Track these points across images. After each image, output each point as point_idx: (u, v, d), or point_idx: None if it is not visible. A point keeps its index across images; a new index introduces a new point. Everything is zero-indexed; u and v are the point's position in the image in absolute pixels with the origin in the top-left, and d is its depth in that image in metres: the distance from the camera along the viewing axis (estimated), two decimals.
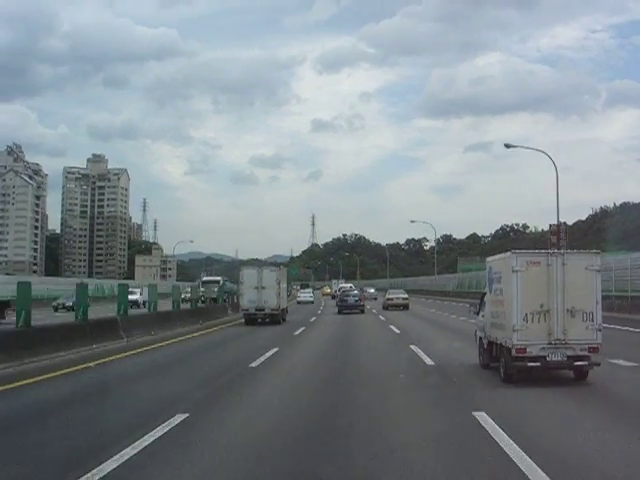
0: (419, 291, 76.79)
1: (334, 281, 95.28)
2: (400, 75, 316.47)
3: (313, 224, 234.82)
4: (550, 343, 10.32)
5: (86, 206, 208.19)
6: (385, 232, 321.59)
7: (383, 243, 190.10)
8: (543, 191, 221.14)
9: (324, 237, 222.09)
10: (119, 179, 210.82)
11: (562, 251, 10.70)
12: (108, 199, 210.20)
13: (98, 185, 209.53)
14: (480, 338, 12.79)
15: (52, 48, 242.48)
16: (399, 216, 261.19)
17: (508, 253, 10.93)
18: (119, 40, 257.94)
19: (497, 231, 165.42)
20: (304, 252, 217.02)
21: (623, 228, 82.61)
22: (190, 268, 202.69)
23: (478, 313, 13.52)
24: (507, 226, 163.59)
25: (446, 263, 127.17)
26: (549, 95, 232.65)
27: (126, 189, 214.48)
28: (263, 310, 28.97)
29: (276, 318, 28.92)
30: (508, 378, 10.69)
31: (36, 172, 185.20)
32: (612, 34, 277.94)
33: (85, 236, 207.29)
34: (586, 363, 10.48)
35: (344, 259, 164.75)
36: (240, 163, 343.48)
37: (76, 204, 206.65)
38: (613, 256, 34.38)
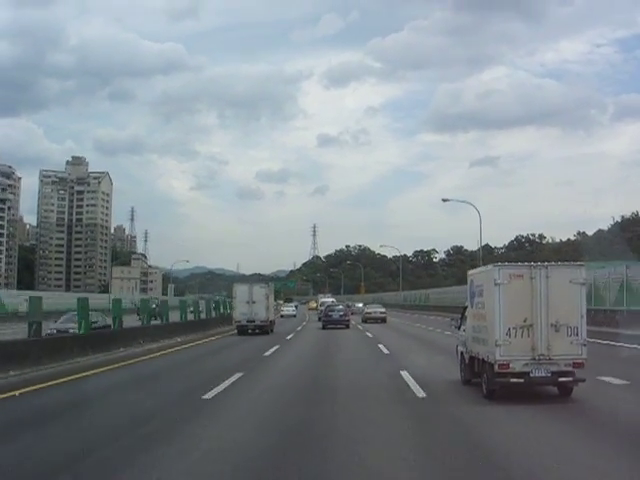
0: (434, 307, 70.75)
1: (320, 295, 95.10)
2: (406, 90, 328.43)
3: (314, 234, 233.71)
4: (534, 358, 10.79)
5: (63, 213, 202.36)
6: (391, 245, 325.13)
7: (389, 255, 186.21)
8: (555, 203, 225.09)
9: (327, 251, 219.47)
10: (99, 183, 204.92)
11: (546, 264, 11.04)
12: (87, 205, 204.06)
13: (77, 190, 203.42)
14: (462, 353, 13.23)
15: (59, 62, 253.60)
16: (404, 230, 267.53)
17: (490, 266, 11.38)
18: (126, 54, 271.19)
19: (511, 242, 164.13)
20: (304, 264, 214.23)
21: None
22: (188, 283, 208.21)
23: (459, 327, 13.88)
24: (522, 237, 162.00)
25: (459, 275, 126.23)
26: (556, 109, 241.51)
27: (108, 194, 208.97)
28: (254, 322, 33.92)
29: (265, 329, 34.04)
30: (490, 394, 11.07)
31: (6, 175, 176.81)
32: (616, 48, 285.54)
33: (62, 245, 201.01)
34: (571, 379, 10.96)
35: (347, 271, 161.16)
36: (246, 178, 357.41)
37: (52, 210, 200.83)
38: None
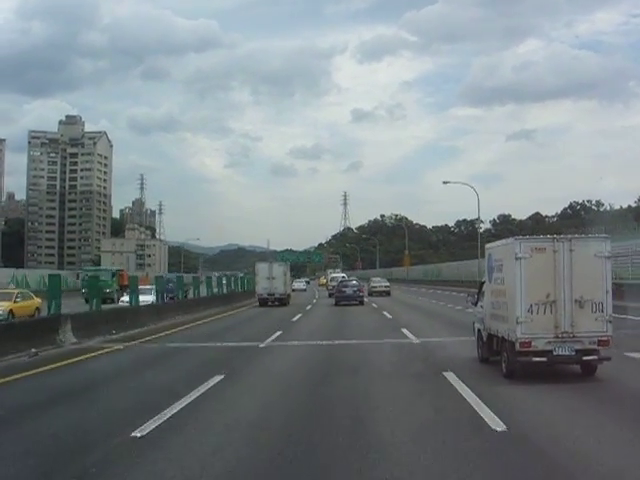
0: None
1: (329, 270, 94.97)
2: (439, 63, 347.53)
3: (345, 204, 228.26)
4: (557, 336, 11.40)
5: (55, 179, 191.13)
6: (428, 216, 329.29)
7: (429, 225, 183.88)
8: (602, 172, 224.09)
9: (359, 224, 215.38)
10: (95, 144, 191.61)
11: (569, 236, 11.41)
12: (82, 170, 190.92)
13: (70, 153, 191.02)
14: (479, 330, 13.77)
15: (92, 41, 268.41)
16: (440, 206, 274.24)
17: (510, 239, 11.80)
18: (159, 32, 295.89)
19: (565, 209, 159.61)
20: (334, 237, 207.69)
21: None
22: (217, 259, 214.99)
23: (476, 304, 14.29)
24: (577, 203, 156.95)
25: None
26: (593, 81, 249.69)
27: (106, 157, 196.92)
28: (274, 295, 43.11)
29: (283, 301, 43.08)
30: (510, 374, 11.59)
31: None
32: None
33: (54, 217, 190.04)
34: (596, 357, 11.53)
35: (382, 244, 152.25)
36: (280, 155, 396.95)
37: (42, 176, 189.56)
38: None
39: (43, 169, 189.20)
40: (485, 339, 13.39)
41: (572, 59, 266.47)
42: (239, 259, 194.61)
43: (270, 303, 42.45)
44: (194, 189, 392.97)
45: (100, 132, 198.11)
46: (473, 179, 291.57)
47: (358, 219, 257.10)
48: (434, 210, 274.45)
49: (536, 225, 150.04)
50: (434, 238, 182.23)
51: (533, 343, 11.24)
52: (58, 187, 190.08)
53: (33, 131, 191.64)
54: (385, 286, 57.81)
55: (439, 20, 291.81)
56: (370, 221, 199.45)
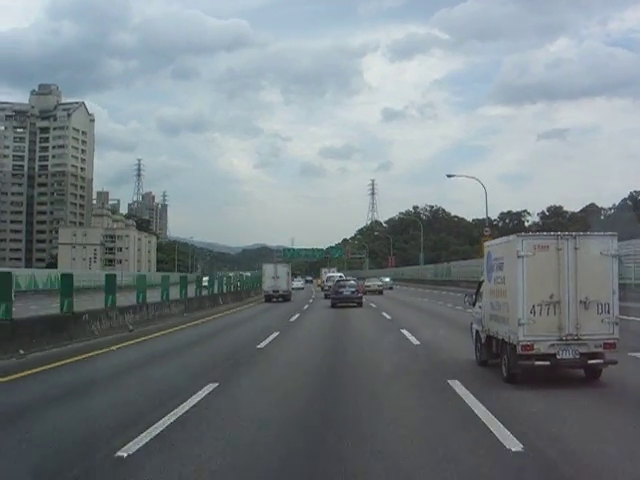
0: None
1: (324, 270, 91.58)
2: (469, 62, 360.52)
3: (373, 193, 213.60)
4: (561, 339, 10.98)
5: (22, 158, 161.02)
6: (465, 210, 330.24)
7: (468, 218, 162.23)
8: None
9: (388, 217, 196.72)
10: (69, 117, 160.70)
11: (574, 233, 10.99)
12: (54, 147, 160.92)
13: (40, 127, 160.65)
14: (477, 332, 13.40)
15: (122, 42, 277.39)
16: (468, 207, 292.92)
17: (512, 236, 11.34)
18: (189, 32, 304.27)
19: (623, 200, 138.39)
20: (360, 231, 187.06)
21: None
22: (240, 260, 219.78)
23: (474, 304, 13.90)
24: (638, 192, 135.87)
25: None
26: (627, 79, 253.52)
27: (84, 132, 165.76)
28: (278, 292, 50.28)
29: (286, 297, 50.40)
30: (511, 378, 11.25)
31: None
32: None
33: (21, 204, 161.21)
34: (601, 361, 11.23)
35: (415, 239, 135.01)
36: (309, 155, 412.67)
37: (7, 155, 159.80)
38: None
39: (8, 146, 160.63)
40: (484, 341, 12.97)
41: (606, 56, 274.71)
42: (261, 258, 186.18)
43: (274, 299, 49.28)
44: (222, 189, 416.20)
45: (77, 102, 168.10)
46: (505, 177, 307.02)
47: (386, 214, 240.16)
48: (470, 202, 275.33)
49: (591, 217, 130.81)
50: (475, 232, 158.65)
51: (536, 346, 10.81)
52: (26, 168, 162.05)
53: None
54: (378, 285, 63.70)
55: (471, 17, 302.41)
56: (401, 213, 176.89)
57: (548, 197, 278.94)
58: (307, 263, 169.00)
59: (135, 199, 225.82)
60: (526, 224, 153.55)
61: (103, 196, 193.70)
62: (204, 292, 40.78)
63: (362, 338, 21.26)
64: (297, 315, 32.38)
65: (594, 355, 10.97)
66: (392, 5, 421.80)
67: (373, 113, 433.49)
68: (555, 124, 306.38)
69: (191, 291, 37.02)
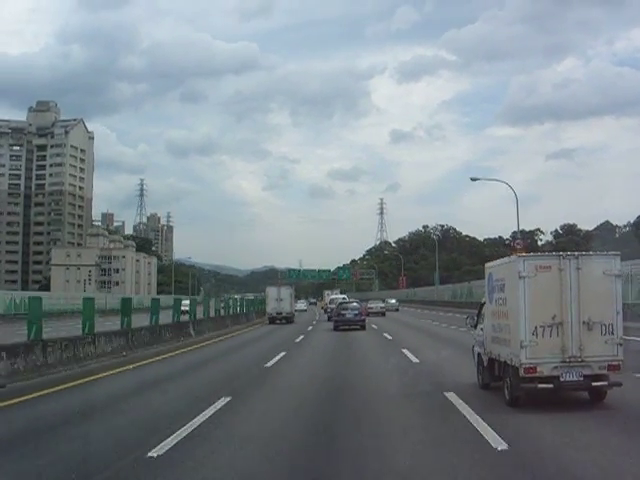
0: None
1: (327, 292, 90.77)
2: (476, 83, 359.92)
3: (381, 212, 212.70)
4: (564, 361, 10.80)
5: (18, 177, 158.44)
6: (474, 228, 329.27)
7: (480, 238, 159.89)
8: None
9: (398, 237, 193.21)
10: (66, 134, 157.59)
11: (576, 253, 10.85)
12: (51, 165, 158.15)
13: (37, 144, 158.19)
14: (479, 354, 13.17)
15: (131, 65, 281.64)
16: (478, 228, 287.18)
17: (513, 257, 11.25)
18: (198, 55, 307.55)
19: (638, 217, 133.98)
20: (369, 251, 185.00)
21: None
22: (247, 282, 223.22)
23: (476, 326, 13.71)
24: None
25: None
26: (635, 98, 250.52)
27: (83, 150, 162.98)
28: (281, 314, 50.75)
29: (289, 319, 50.76)
30: (514, 401, 11.10)
31: None
32: None
33: (17, 224, 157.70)
34: (605, 383, 11.06)
35: (426, 258, 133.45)
36: (318, 177, 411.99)
37: (3, 174, 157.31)
38: None
39: (4, 164, 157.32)
40: (486, 364, 12.76)
41: (614, 76, 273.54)
42: (269, 280, 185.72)
43: (278, 321, 49.57)
44: (231, 212, 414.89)
45: (75, 119, 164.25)
46: (514, 198, 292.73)
47: (396, 237, 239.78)
48: (480, 224, 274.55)
49: (606, 235, 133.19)
50: (487, 252, 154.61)
51: (538, 368, 10.63)
52: (22, 187, 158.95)
53: None
54: (381, 307, 65.26)
55: (479, 39, 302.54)
56: (411, 233, 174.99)
57: (558, 217, 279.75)
58: (314, 285, 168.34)
59: (139, 220, 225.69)
60: (539, 243, 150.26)
61: (108, 218, 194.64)
62: (185, 317, 34.05)
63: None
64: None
65: (598, 377, 10.79)
66: (400, 27, 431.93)
67: (381, 135, 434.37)
68: (563, 144, 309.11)
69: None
